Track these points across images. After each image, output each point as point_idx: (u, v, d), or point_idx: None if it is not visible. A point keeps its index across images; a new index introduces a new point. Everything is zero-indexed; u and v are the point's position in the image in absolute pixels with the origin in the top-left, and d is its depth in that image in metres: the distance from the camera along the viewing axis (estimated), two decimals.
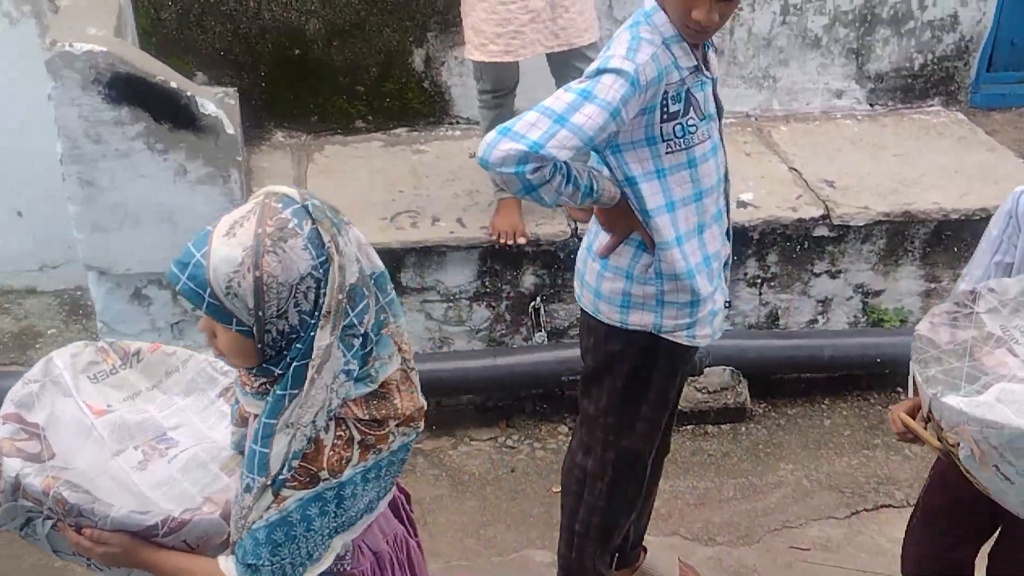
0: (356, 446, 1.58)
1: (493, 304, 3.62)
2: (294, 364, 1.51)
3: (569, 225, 3.58)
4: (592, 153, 2.29)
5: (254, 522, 1.57)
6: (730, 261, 2.50)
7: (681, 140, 2.20)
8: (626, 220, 2.27)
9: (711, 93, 2.29)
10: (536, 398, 3.75)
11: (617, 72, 2.07)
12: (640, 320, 2.35)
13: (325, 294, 1.50)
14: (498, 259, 3.55)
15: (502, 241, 3.48)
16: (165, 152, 3.16)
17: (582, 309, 2.47)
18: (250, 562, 1.59)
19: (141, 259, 3.32)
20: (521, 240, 3.48)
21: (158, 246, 3.29)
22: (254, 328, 1.48)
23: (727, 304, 2.52)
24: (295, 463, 1.53)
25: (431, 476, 3.53)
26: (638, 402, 2.45)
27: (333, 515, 1.60)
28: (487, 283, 3.58)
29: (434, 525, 3.34)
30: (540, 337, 3.64)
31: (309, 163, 3.88)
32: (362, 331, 1.55)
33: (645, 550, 3.05)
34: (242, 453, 1.66)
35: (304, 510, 1.56)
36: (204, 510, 1.72)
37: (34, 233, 3.70)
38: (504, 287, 3.59)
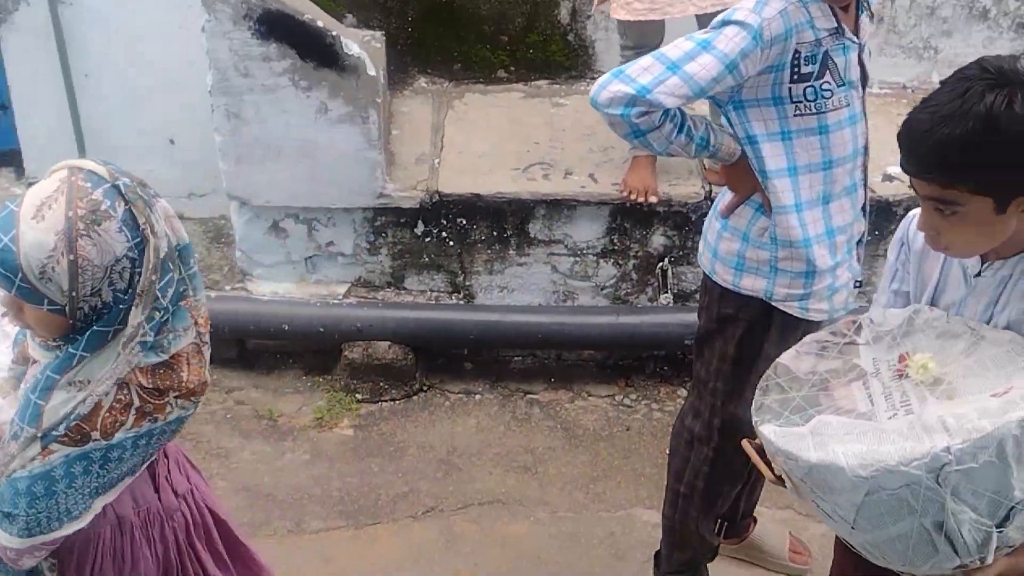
0: (133, 412, 1.57)
1: (620, 262, 3.59)
2: (93, 328, 1.52)
3: (703, 187, 3.51)
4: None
5: (15, 471, 1.56)
6: (864, 238, 2.41)
7: (812, 104, 2.12)
8: (748, 180, 2.21)
9: (856, 59, 2.19)
10: (657, 360, 3.71)
11: (740, 24, 2.01)
12: (752, 285, 2.30)
13: (140, 273, 1.50)
14: (628, 217, 3.51)
15: (633, 198, 3.44)
16: (309, 89, 3.23)
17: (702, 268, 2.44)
18: (6, 510, 1.59)
19: (280, 192, 3.42)
20: (653, 199, 3.43)
21: (297, 180, 3.39)
22: (66, 307, 1.49)
23: (858, 283, 2.43)
24: (73, 423, 1.54)
25: (546, 427, 3.55)
26: (748, 369, 2.40)
27: (96, 475, 1.59)
28: (615, 240, 3.55)
29: (544, 475, 3.37)
30: (666, 298, 3.59)
31: (448, 110, 3.91)
32: (164, 304, 1.55)
33: (755, 521, 3.00)
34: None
35: (69, 467, 1.56)
36: None
37: (184, 162, 3.86)
38: (632, 245, 3.56)
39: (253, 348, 3.77)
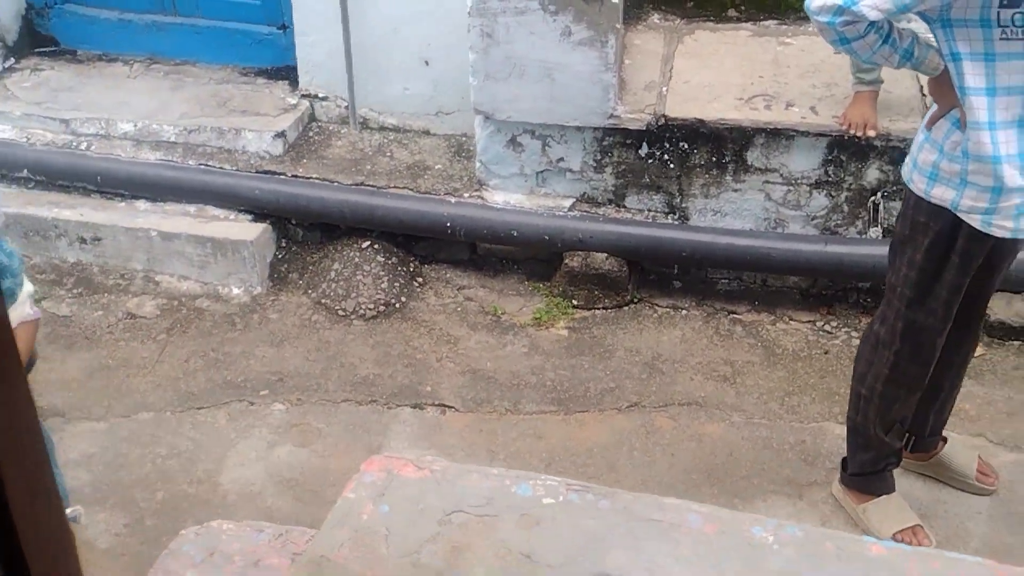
0: None
1: (833, 194, 3.75)
2: None
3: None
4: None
5: None
6: None
7: (1020, 29, 2.23)
8: (950, 95, 2.37)
9: None
10: (861, 291, 3.86)
11: None
12: (942, 195, 2.45)
13: None
14: (845, 150, 3.66)
15: (852, 132, 3.59)
16: (555, 14, 3.56)
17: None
18: None
19: (520, 108, 3.78)
20: (871, 133, 3.57)
21: (536, 98, 3.73)
22: None
23: None
24: None
25: (746, 344, 3.78)
26: (934, 279, 2.56)
27: None
28: (830, 172, 3.71)
29: (742, 385, 3.60)
30: (875, 232, 3.73)
31: (679, 44, 4.15)
32: None
33: (945, 440, 3.14)
34: None
35: None
36: None
37: (435, 82, 4.27)
38: (847, 178, 3.71)
39: (483, 252, 4.17)
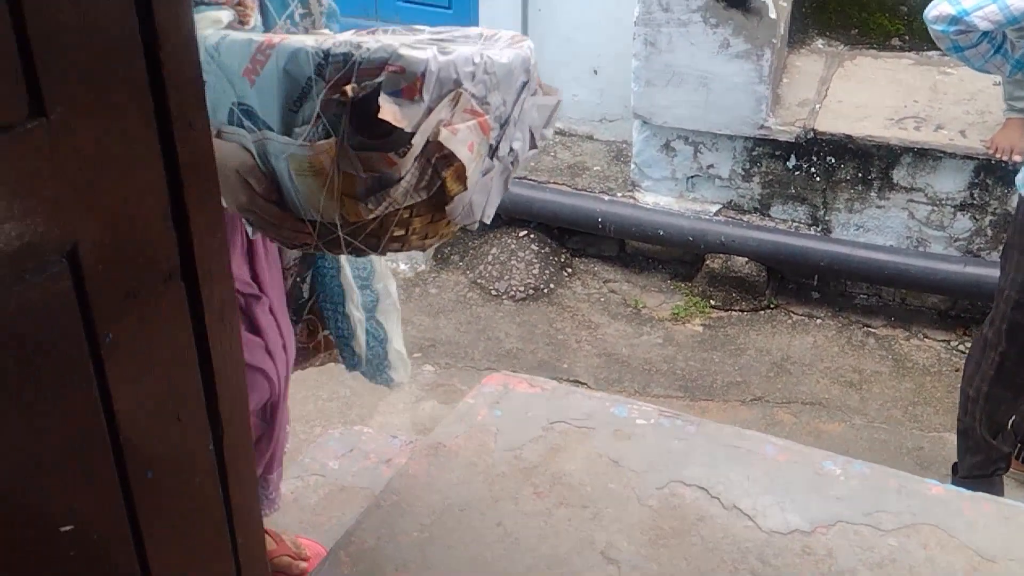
0: None
1: (977, 216, 3.82)
2: None
3: None
4: None
5: None
6: None
7: None
8: None
9: None
10: None
11: None
12: None
13: None
14: (991, 174, 3.73)
15: (998, 156, 3.67)
16: (716, 26, 3.81)
17: None
18: None
19: (676, 114, 4.03)
20: (1017, 158, 3.63)
21: (691, 105, 3.98)
22: None
23: None
24: None
25: (877, 355, 3.88)
26: None
27: None
28: (975, 195, 3.78)
29: (867, 392, 3.71)
30: None
31: (839, 68, 4.31)
32: None
33: None
34: None
35: None
36: None
37: (602, 91, 4.58)
38: (992, 202, 3.78)
39: (631, 251, 4.43)
